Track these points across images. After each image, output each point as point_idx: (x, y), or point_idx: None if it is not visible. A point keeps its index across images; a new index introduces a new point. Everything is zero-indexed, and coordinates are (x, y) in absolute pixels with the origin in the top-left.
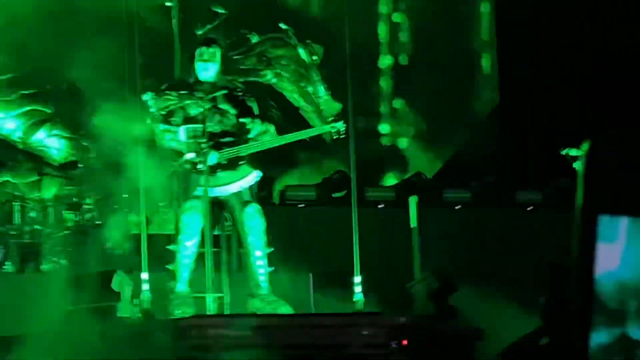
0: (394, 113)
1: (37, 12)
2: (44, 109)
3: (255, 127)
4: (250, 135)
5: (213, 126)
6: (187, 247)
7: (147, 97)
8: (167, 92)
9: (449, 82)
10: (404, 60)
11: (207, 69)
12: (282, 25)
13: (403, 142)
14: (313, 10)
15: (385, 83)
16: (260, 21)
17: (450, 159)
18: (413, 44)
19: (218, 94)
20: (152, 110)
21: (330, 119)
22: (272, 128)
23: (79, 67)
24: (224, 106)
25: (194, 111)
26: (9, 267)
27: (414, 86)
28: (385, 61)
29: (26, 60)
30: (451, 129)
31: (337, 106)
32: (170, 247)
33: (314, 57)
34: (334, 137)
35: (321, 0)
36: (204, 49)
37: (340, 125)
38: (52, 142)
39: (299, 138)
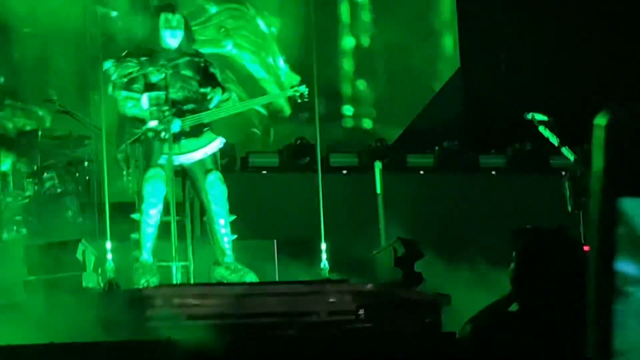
0: (356, 94)
1: None
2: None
3: (217, 94)
4: (212, 103)
5: (175, 93)
6: (151, 215)
7: (107, 64)
8: (128, 59)
9: (410, 61)
10: (365, 41)
11: (175, 36)
12: None
13: (367, 123)
14: None
15: (347, 64)
16: None
17: (411, 124)
18: (374, 25)
19: (180, 60)
20: (113, 78)
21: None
22: (234, 95)
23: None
24: (186, 72)
25: (155, 78)
26: None
27: (376, 68)
28: (347, 43)
29: None
30: (412, 96)
31: (296, 77)
32: (133, 215)
33: (272, 29)
34: (298, 101)
35: None
36: (170, 15)
37: (303, 89)
38: (4, 114)
39: (262, 103)
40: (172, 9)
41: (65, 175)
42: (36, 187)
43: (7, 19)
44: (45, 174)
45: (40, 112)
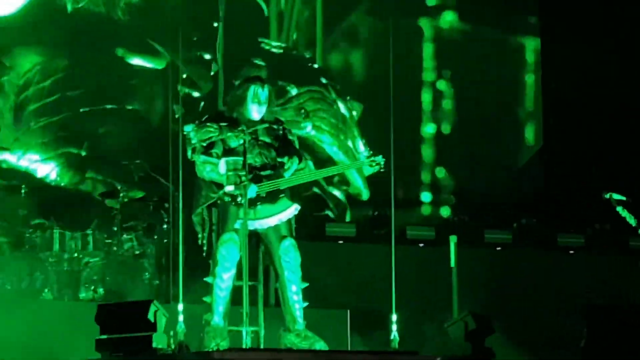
0: (435, 181)
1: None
2: (79, 152)
3: (294, 162)
4: (289, 171)
5: (253, 159)
6: (224, 279)
7: (188, 128)
8: (209, 123)
9: (492, 147)
10: (446, 129)
11: (261, 111)
12: (323, 80)
13: (445, 211)
14: (356, 71)
15: (427, 151)
16: (299, 74)
17: (490, 200)
18: (456, 112)
19: (259, 127)
20: (193, 141)
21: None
22: (310, 163)
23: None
24: (265, 139)
25: (234, 143)
26: (47, 294)
27: (456, 155)
28: (428, 129)
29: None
30: (491, 176)
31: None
32: (207, 279)
33: (354, 113)
34: (374, 170)
35: (365, 61)
36: (259, 90)
37: (380, 159)
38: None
39: (339, 171)
40: (262, 83)
41: (144, 237)
42: (115, 248)
43: None
44: (124, 236)
45: (119, 185)
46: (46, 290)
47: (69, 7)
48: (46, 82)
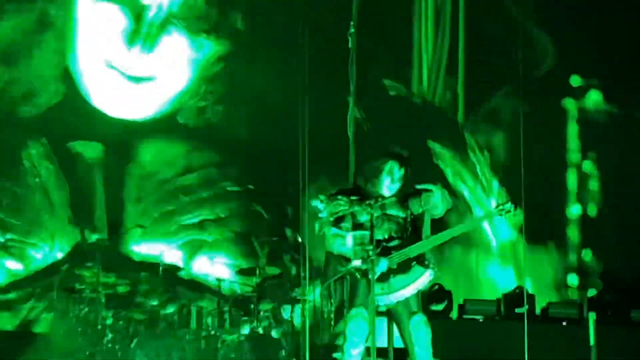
0: (582, 264)
1: None
2: (204, 238)
3: (426, 231)
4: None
5: (381, 233)
6: (353, 355)
7: (316, 202)
8: (339, 197)
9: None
10: (593, 211)
11: (392, 189)
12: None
13: (592, 293)
14: (497, 152)
15: (573, 233)
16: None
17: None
18: (602, 194)
19: (387, 201)
20: (322, 215)
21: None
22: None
23: None
24: (393, 212)
25: (362, 218)
26: None
27: (604, 238)
28: (574, 211)
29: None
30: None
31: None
32: (336, 355)
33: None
34: (508, 219)
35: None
36: (396, 168)
37: (509, 206)
38: (214, 270)
39: (469, 228)
40: (400, 162)
41: (280, 315)
42: (252, 325)
43: None
44: (261, 313)
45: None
46: None
47: None
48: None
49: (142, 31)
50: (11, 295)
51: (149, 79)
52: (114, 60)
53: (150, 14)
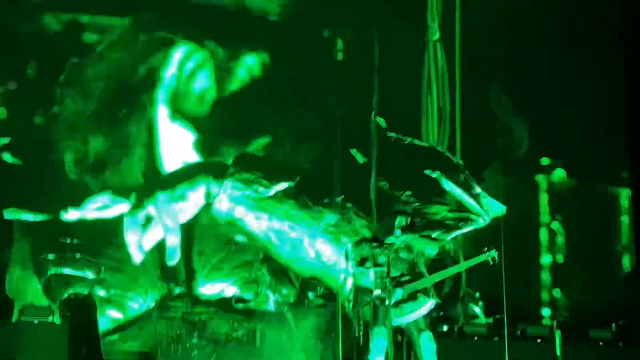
0: (553, 300)
1: None
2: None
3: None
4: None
5: (395, 271)
6: None
7: (347, 247)
8: (363, 243)
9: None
10: (560, 259)
11: (402, 238)
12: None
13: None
14: None
15: (545, 276)
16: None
17: (593, 305)
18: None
19: (398, 246)
20: (351, 257)
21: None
22: None
23: None
24: (403, 255)
25: (381, 259)
26: None
27: (568, 279)
28: (545, 259)
29: None
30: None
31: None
32: None
33: None
34: (490, 264)
35: None
36: (404, 221)
37: (494, 253)
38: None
39: (464, 268)
40: (406, 217)
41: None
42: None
43: None
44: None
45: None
46: None
47: None
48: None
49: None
50: (114, 337)
51: None
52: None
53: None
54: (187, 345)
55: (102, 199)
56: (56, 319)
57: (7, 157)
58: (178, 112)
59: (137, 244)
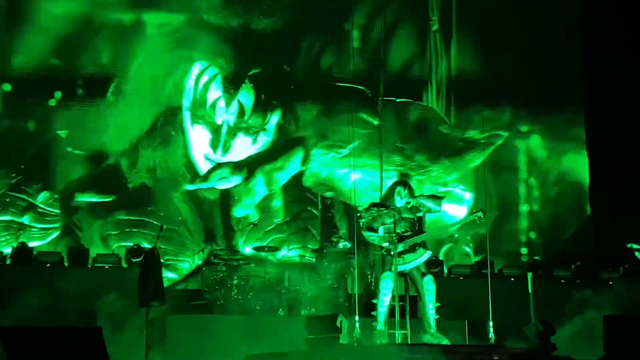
0: (529, 241)
1: None
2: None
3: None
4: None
5: (399, 228)
6: (384, 301)
7: (361, 211)
8: (372, 209)
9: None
10: (535, 207)
11: (401, 202)
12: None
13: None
14: None
15: (524, 222)
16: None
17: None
18: (541, 198)
19: (402, 208)
20: (363, 220)
21: (474, 211)
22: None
23: None
24: (406, 215)
25: (387, 220)
26: (281, 312)
27: (542, 224)
28: (524, 208)
29: None
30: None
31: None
32: (373, 300)
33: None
34: (477, 222)
35: None
36: (402, 190)
37: (480, 214)
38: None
39: (455, 227)
40: (404, 185)
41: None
42: (321, 283)
43: None
44: (327, 275)
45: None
46: (280, 310)
47: None
48: None
49: (220, 140)
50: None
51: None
52: (209, 154)
53: (223, 129)
54: (228, 285)
55: (222, 171)
56: (123, 265)
57: (70, 148)
58: (196, 116)
59: (250, 205)
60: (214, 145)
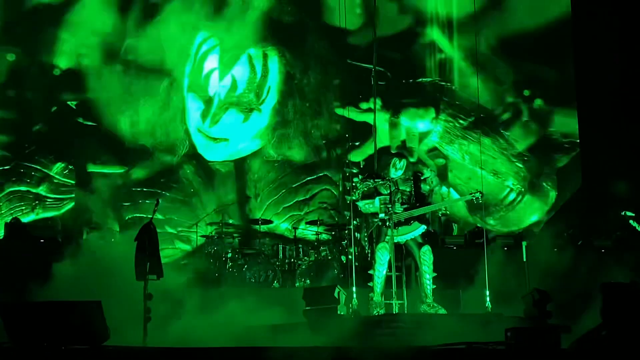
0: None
1: None
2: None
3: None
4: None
5: (395, 199)
6: (380, 271)
7: (356, 181)
8: (368, 180)
9: None
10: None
11: (397, 174)
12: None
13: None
14: None
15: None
16: None
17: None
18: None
19: (399, 179)
20: (359, 190)
21: (472, 192)
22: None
23: None
24: (402, 187)
25: (384, 191)
26: (275, 284)
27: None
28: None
29: None
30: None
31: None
32: (370, 271)
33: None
34: (475, 202)
35: None
36: (397, 162)
37: (478, 195)
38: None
39: (451, 203)
40: (400, 157)
41: (334, 247)
42: (316, 255)
43: None
44: (321, 247)
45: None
46: (275, 282)
47: None
48: None
49: (210, 112)
50: (184, 262)
51: (223, 140)
52: (200, 128)
53: (214, 101)
54: (223, 259)
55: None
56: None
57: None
58: (192, 85)
59: None
60: (203, 116)
